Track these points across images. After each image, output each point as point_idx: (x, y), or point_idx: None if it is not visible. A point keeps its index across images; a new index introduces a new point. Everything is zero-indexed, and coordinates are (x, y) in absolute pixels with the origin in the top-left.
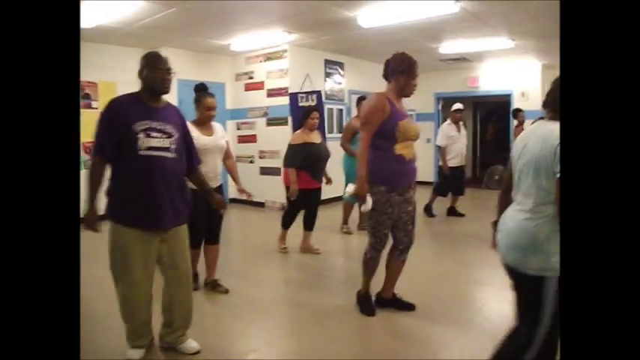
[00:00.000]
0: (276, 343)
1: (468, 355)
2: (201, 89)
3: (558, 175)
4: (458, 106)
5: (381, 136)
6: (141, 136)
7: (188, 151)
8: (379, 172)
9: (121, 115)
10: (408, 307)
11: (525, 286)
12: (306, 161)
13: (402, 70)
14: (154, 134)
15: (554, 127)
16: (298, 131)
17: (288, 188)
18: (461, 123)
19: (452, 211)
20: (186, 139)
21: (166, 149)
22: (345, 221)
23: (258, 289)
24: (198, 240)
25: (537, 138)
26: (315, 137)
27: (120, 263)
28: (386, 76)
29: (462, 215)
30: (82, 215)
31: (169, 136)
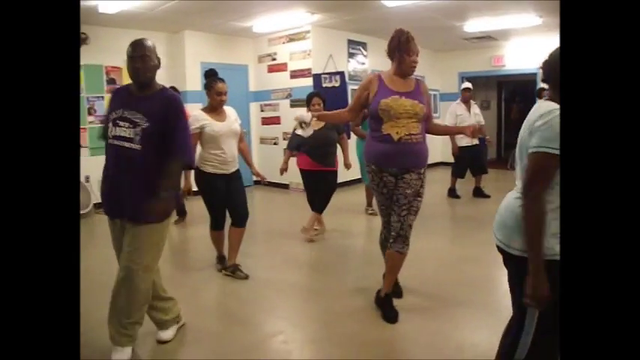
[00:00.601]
0: (303, 325)
1: (497, 339)
2: (210, 75)
3: (530, 150)
4: (466, 84)
5: (370, 117)
6: (110, 125)
7: (168, 141)
8: (369, 151)
9: (110, 103)
10: (388, 315)
11: (510, 266)
12: (303, 145)
13: (395, 48)
14: (122, 123)
15: (541, 106)
16: None
17: (300, 170)
18: (473, 102)
19: (477, 192)
20: (166, 129)
21: (129, 139)
22: (369, 203)
23: (282, 272)
24: (217, 222)
25: (526, 120)
26: (319, 122)
27: None
28: (389, 55)
29: (487, 196)
30: None
31: (135, 125)
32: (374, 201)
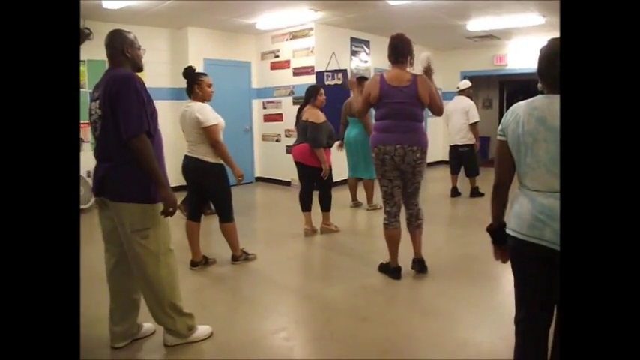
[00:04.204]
0: (305, 321)
1: (499, 336)
2: (192, 70)
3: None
4: (460, 83)
5: None
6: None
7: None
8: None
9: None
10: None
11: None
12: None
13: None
14: None
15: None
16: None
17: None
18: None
19: (473, 192)
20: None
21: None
22: (370, 199)
23: (284, 268)
24: (190, 212)
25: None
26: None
27: None
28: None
29: (481, 194)
30: None
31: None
32: (375, 196)
